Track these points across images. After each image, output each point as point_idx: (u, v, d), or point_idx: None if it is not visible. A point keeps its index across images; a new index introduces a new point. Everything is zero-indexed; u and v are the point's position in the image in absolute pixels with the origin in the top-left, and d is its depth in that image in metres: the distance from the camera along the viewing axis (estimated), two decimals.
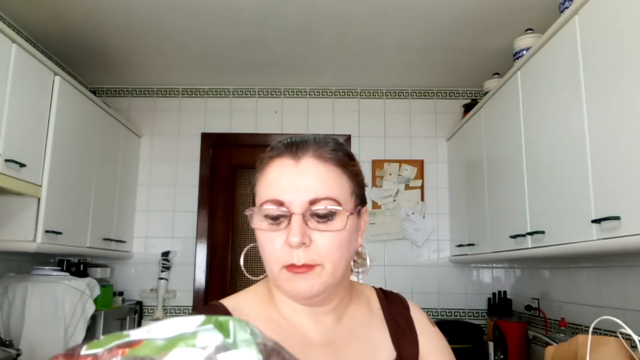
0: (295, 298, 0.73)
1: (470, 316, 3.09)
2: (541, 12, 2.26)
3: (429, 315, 1.07)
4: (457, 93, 3.32)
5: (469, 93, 3.31)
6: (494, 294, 2.87)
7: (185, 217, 3.20)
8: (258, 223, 0.72)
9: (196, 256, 3.16)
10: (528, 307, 2.56)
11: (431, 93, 3.33)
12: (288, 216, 0.70)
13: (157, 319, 3.00)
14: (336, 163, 0.73)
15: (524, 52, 2.18)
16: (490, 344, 2.56)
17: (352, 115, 3.32)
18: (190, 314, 0.70)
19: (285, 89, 3.35)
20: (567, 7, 1.80)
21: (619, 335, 1.35)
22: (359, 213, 0.77)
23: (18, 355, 2.02)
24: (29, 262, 2.53)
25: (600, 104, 1.47)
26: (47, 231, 2.10)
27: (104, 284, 2.60)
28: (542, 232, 1.81)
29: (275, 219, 0.71)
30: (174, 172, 3.26)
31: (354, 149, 2.68)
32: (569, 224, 1.62)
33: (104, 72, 3.14)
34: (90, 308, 2.32)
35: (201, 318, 0.38)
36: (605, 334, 1.74)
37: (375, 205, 3.17)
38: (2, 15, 2.40)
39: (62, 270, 2.47)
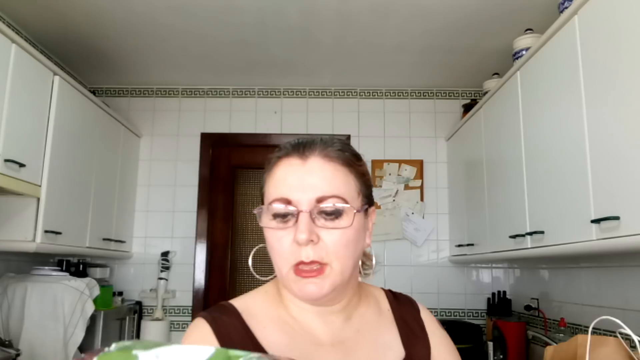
0: (304, 300, 0.74)
1: (470, 316, 3.09)
2: (541, 12, 2.26)
3: None
4: (456, 93, 3.33)
5: (469, 93, 3.31)
6: (493, 294, 2.87)
7: (185, 217, 3.20)
8: (266, 222, 0.73)
9: (196, 256, 3.16)
10: (527, 307, 2.56)
11: (431, 93, 3.33)
12: (296, 214, 0.70)
13: (157, 319, 3.00)
14: (343, 162, 0.75)
15: (524, 52, 2.18)
16: (490, 344, 2.56)
17: (351, 116, 3.32)
18: (196, 317, 0.69)
19: (285, 89, 3.35)
20: (566, 7, 1.80)
21: (619, 335, 1.35)
22: (366, 212, 0.77)
23: (17, 355, 2.02)
24: (28, 262, 2.53)
25: (600, 103, 1.47)
26: (46, 231, 2.10)
27: (103, 284, 2.60)
28: (542, 232, 1.81)
29: (283, 217, 0.72)
30: (174, 172, 3.26)
31: None
32: (569, 224, 1.62)
33: (103, 72, 3.14)
34: (90, 308, 2.32)
35: (211, 350, 0.38)
36: (604, 334, 1.74)
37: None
38: (1, 16, 2.40)
39: (61, 270, 2.47)
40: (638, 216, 1.27)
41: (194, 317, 2.94)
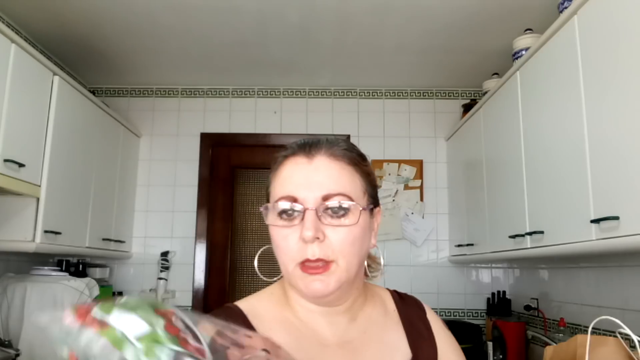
0: (310, 297, 0.74)
1: (470, 316, 3.09)
2: (540, 12, 2.26)
3: None
4: (456, 93, 3.33)
5: (468, 93, 3.31)
6: (493, 294, 2.87)
7: (185, 217, 3.20)
8: (272, 220, 0.73)
9: (195, 256, 3.16)
10: (527, 307, 2.56)
11: (430, 93, 3.33)
12: (302, 212, 0.71)
13: None
14: (348, 161, 0.75)
15: (523, 52, 2.18)
16: (490, 344, 2.56)
17: (351, 115, 3.32)
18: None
19: (285, 89, 3.35)
20: (566, 7, 1.80)
21: (618, 335, 1.35)
22: (371, 212, 0.77)
23: (17, 355, 2.02)
24: (28, 262, 2.53)
25: (599, 103, 1.47)
26: (46, 231, 2.10)
27: (103, 284, 2.60)
28: (541, 232, 1.81)
29: (289, 215, 0.72)
30: (173, 172, 3.25)
31: None
32: (568, 224, 1.62)
33: (103, 72, 3.14)
34: None
35: (147, 329, 0.45)
36: (604, 334, 1.74)
37: None
38: (1, 16, 2.40)
39: (61, 270, 2.47)
40: (637, 216, 1.27)
41: None
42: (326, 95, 3.34)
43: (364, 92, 3.34)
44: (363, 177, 0.77)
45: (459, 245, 2.87)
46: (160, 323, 0.45)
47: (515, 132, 2.08)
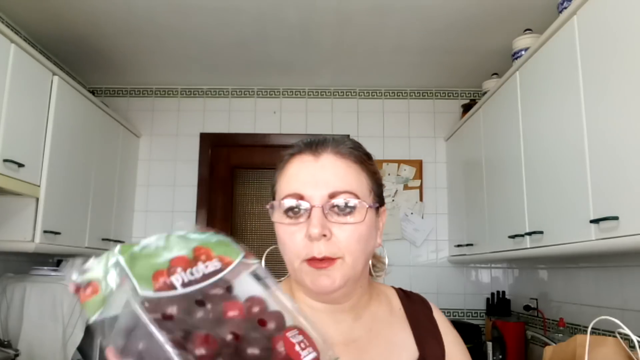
0: (317, 293, 0.74)
1: (469, 316, 3.10)
2: (540, 13, 2.26)
3: None
4: (455, 93, 3.33)
5: (468, 93, 3.31)
6: (492, 294, 2.87)
7: (184, 217, 3.20)
8: (278, 217, 0.73)
9: None
10: (527, 307, 2.56)
11: (430, 93, 3.34)
12: (308, 210, 0.71)
13: None
14: (354, 159, 0.76)
15: (523, 52, 2.18)
16: (489, 344, 2.56)
17: (350, 115, 3.32)
18: None
19: (284, 89, 3.35)
20: (565, 8, 1.80)
21: (618, 336, 1.36)
22: (377, 210, 0.78)
23: (16, 355, 2.02)
24: (27, 262, 2.52)
25: (599, 104, 1.47)
26: (45, 231, 2.10)
27: None
28: (541, 232, 1.81)
29: (295, 212, 0.72)
30: (173, 172, 3.25)
31: None
32: (568, 224, 1.62)
33: (102, 72, 3.14)
34: None
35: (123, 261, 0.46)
36: (603, 334, 1.74)
37: None
38: (1, 16, 2.40)
39: (60, 270, 2.47)
40: (637, 216, 1.28)
41: None
42: (326, 95, 3.34)
43: (364, 92, 3.34)
44: (369, 176, 0.77)
45: (459, 246, 2.87)
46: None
47: (515, 132, 2.08)
